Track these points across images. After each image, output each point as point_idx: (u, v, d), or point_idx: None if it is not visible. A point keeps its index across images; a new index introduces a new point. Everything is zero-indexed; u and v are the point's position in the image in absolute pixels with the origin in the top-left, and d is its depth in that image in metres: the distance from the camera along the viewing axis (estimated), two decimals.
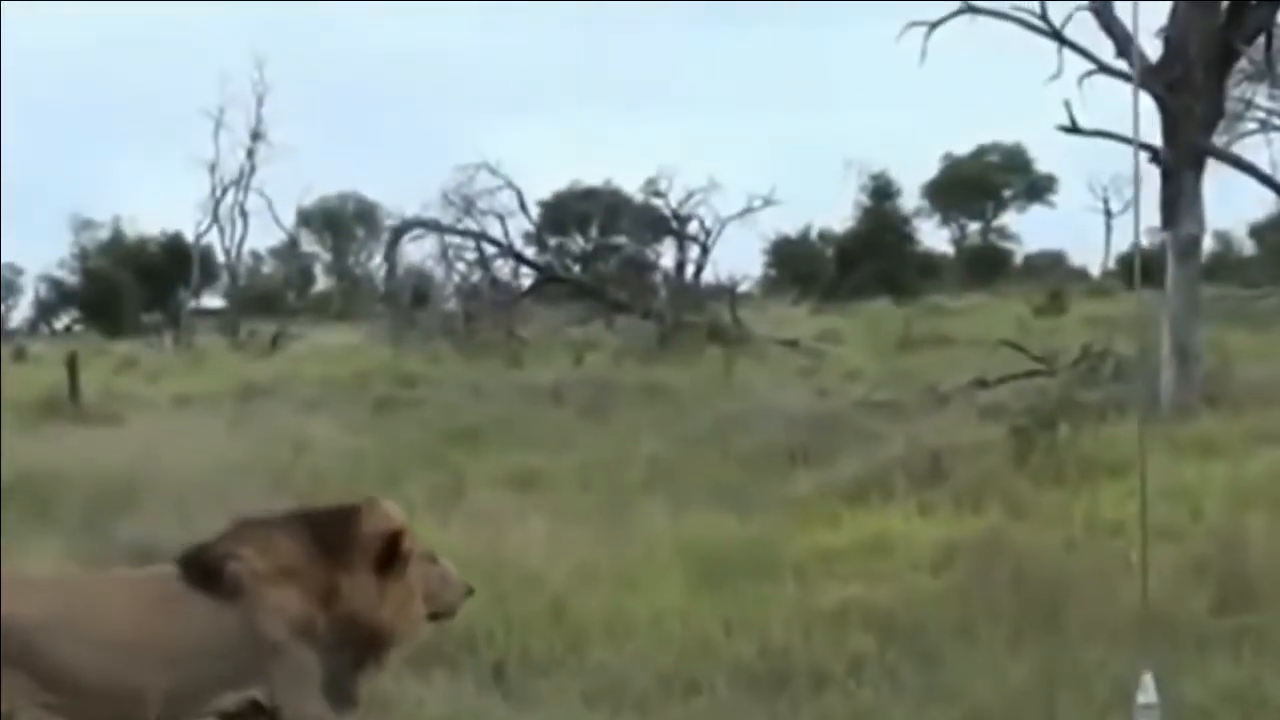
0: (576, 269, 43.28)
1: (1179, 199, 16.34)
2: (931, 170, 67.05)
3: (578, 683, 6.68)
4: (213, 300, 64.52)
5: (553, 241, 46.83)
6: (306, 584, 5.42)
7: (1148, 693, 3.94)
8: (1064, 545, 8.83)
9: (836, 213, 70.36)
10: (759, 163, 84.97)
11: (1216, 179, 18.64)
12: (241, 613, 5.36)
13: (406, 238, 35.89)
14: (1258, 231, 61.16)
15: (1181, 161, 16.29)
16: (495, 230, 35.96)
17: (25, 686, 5.18)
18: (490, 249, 35.45)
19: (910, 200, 62.64)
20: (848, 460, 13.02)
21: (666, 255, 42.94)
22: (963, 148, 68.28)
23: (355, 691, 5.50)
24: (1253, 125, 38.35)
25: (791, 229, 60.64)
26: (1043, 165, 64.95)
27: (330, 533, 5.51)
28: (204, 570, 5.42)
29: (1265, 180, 18.24)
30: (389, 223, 44.61)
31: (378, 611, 5.46)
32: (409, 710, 6.81)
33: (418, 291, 36.11)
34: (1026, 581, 7.70)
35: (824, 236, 62.13)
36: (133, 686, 5.25)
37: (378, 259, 55.66)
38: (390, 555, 5.47)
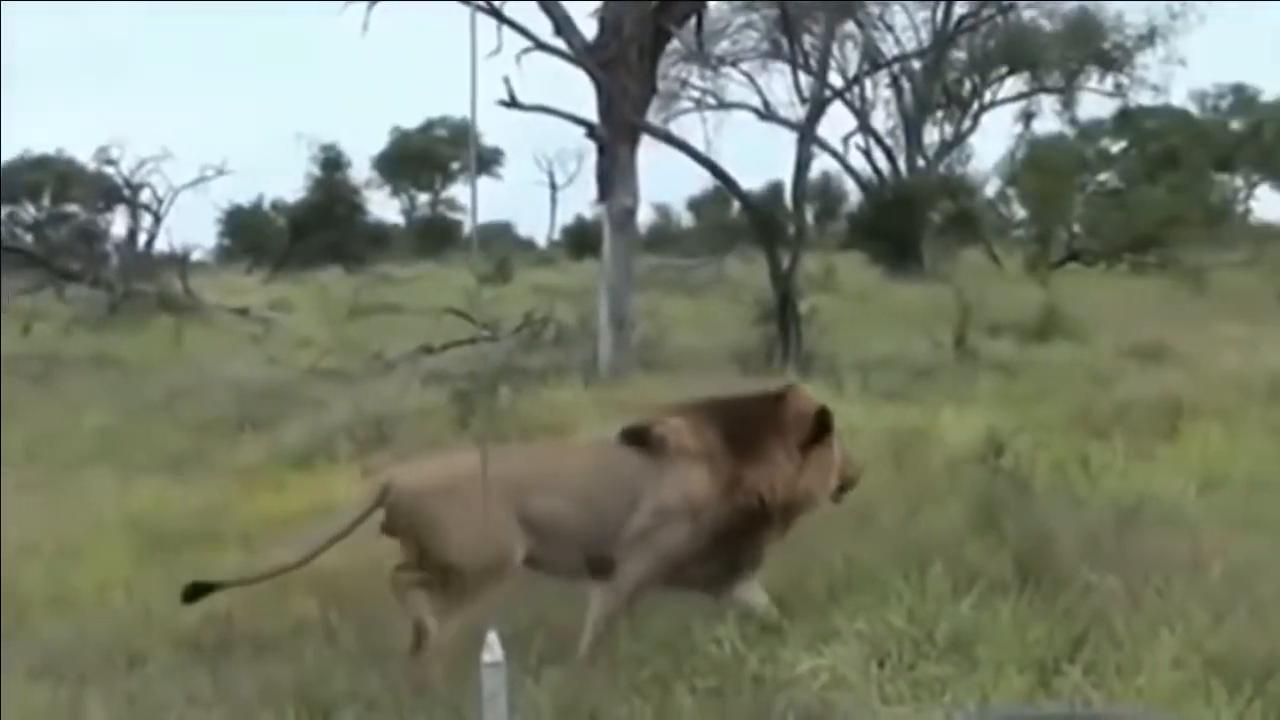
0: (28, 238, 41.40)
1: (614, 173, 17.02)
2: (381, 143, 67.57)
3: (21, 658, 6.50)
4: None
5: (3, 211, 44.79)
6: (716, 471, 6.02)
7: (493, 651, 4.10)
8: None
9: (289, 183, 69.89)
10: (212, 133, 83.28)
11: (659, 155, 19.55)
12: (655, 471, 6.02)
13: None
14: (695, 205, 64.68)
15: (617, 137, 16.92)
16: None
17: (518, 533, 5.86)
18: None
19: (361, 172, 62.87)
20: (294, 427, 13.10)
21: (119, 224, 41.59)
22: (411, 121, 69.34)
23: (761, 557, 6.22)
24: (689, 104, 40.59)
25: (245, 199, 59.84)
26: (490, 139, 66.07)
27: (758, 416, 6.19)
28: (637, 433, 6.14)
29: (696, 156, 19.13)
30: None
31: (800, 481, 6.10)
32: None
33: None
34: None
35: (276, 206, 61.22)
36: (596, 530, 5.94)
37: None
38: (821, 429, 6.18)
